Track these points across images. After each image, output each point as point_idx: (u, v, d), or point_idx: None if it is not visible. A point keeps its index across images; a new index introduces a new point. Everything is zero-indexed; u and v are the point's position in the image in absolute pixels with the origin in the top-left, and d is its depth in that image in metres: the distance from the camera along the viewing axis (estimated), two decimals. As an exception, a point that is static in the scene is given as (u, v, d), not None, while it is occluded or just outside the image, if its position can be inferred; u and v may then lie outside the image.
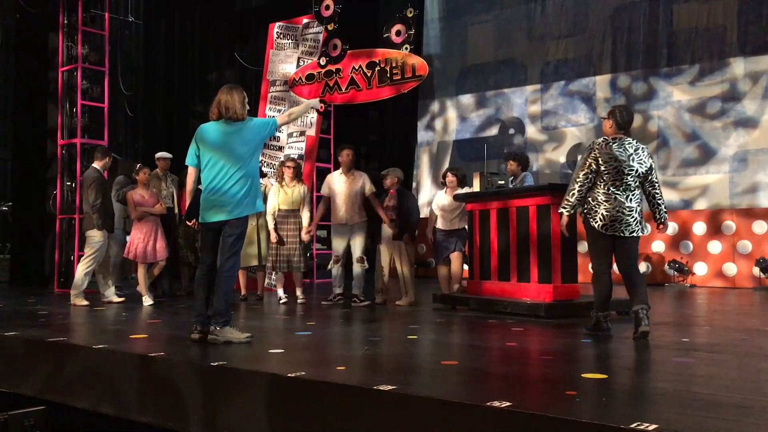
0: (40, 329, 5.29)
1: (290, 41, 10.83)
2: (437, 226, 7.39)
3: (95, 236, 7.24)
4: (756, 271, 9.31)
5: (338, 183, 7.28)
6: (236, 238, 4.55)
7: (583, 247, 6.34)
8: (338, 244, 7.27)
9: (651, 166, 4.81)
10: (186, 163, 4.75)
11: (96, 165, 7.50)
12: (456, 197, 7.13)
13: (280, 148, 10.43)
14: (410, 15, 8.86)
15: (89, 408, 4.06)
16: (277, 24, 10.91)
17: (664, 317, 6.20)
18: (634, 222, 4.72)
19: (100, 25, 9.88)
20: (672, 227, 10.05)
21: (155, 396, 3.84)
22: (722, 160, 9.93)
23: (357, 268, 7.22)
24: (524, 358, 4.10)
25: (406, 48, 8.88)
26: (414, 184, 13.05)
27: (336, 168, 7.81)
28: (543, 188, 6.16)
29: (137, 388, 3.93)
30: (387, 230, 7.18)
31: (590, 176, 4.76)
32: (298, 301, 7.36)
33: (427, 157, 13.26)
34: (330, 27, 9.68)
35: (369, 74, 9.26)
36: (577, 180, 4.79)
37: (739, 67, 9.91)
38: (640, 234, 4.76)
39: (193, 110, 13.28)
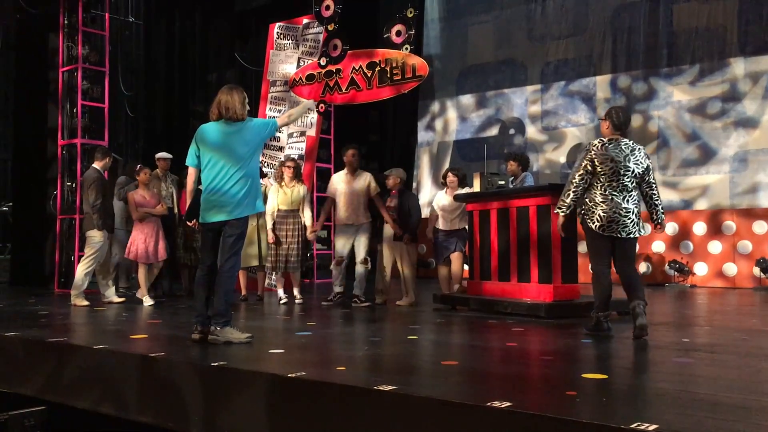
0: (41, 329, 5.29)
1: (290, 41, 10.83)
2: (437, 227, 7.39)
3: (95, 236, 7.25)
4: (756, 271, 9.31)
5: (343, 183, 7.26)
6: (236, 239, 4.56)
7: (583, 247, 6.34)
8: (341, 245, 7.23)
9: (648, 166, 4.81)
10: (186, 164, 4.76)
11: (96, 165, 7.50)
12: (456, 197, 7.13)
13: (281, 149, 10.43)
14: (410, 15, 8.86)
15: (89, 408, 4.06)
16: (278, 24, 10.91)
17: (664, 317, 6.20)
18: (631, 223, 4.72)
19: (100, 26, 9.88)
20: (672, 227, 10.05)
21: (155, 396, 3.84)
22: (722, 160, 9.93)
23: (359, 269, 7.20)
24: (524, 359, 4.10)
25: (407, 48, 8.88)
26: (414, 185, 13.04)
27: (336, 168, 7.81)
28: (543, 188, 6.16)
29: (137, 388, 3.93)
30: (389, 230, 7.19)
31: (586, 177, 4.78)
32: (296, 301, 7.36)
33: (428, 157, 13.27)
34: (330, 27, 9.69)
35: (369, 74, 9.26)
36: (573, 181, 4.81)
37: (739, 67, 9.92)
38: (638, 235, 4.77)
39: (194, 110, 13.29)
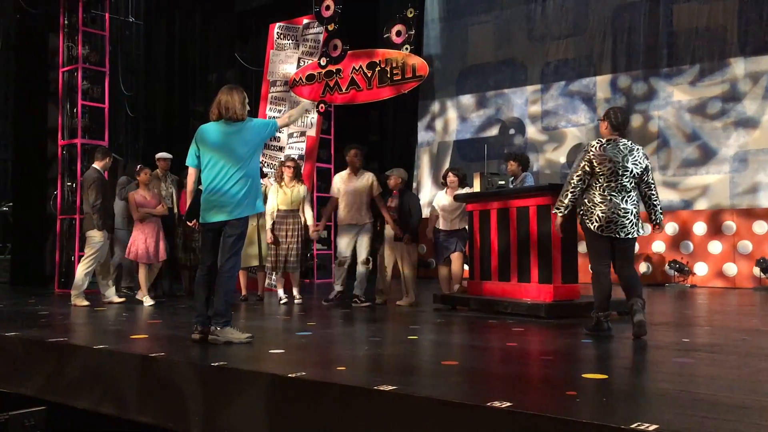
0: (41, 330, 5.29)
1: (291, 41, 10.83)
2: (438, 227, 7.39)
3: (95, 236, 7.25)
4: (756, 271, 9.31)
5: (346, 183, 7.23)
6: (236, 239, 4.56)
7: (583, 247, 6.34)
8: (344, 245, 7.18)
9: (646, 166, 4.82)
10: (186, 164, 4.76)
11: (96, 165, 7.50)
12: (456, 197, 7.13)
13: (281, 149, 10.43)
14: (410, 15, 8.86)
15: (90, 408, 4.06)
16: (278, 24, 10.92)
17: (664, 317, 6.20)
18: (630, 224, 4.73)
19: (100, 26, 9.88)
20: (672, 227, 10.06)
21: (156, 396, 3.84)
22: (722, 160, 9.93)
23: (361, 269, 7.20)
24: (525, 359, 4.10)
25: (407, 48, 8.88)
26: (414, 185, 13.05)
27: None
28: (543, 188, 6.16)
29: (137, 388, 3.93)
30: (390, 230, 7.19)
31: (584, 178, 4.80)
32: (295, 301, 7.36)
33: (428, 157, 13.27)
34: (330, 27, 9.68)
35: (369, 74, 9.26)
36: (571, 182, 4.83)
37: (739, 67, 9.92)
38: (636, 235, 4.77)
39: (194, 111, 13.29)
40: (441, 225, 7.34)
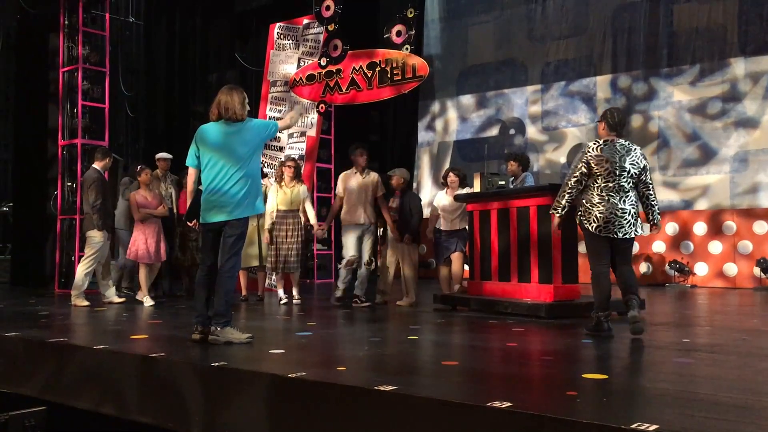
0: (41, 330, 5.29)
1: (291, 42, 10.83)
2: (438, 227, 7.39)
3: (95, 237, 7.25)
4: (756, 271, 9.31)
5: (353, 182, 7.18)
6: (236, 239, 4.56)
7: (583, 247, 6.33)
8: (351, 244, 7.09)
9: (644, 167, 4.82)
10: (186, 164, 4.76)
11: (96, 165, 7.50)
12: (456, 198, 7.13)
13: (281, 149, 10.44)
14: (411, 15, 8.87)
15: (90, 408, 4.06)
16: (278, 24, 10.92)
17: (664, 317, 6.20)
18: (628, 224, 4.74)
19: (100, 26, 9.89)
20: (672, 227, 10.06)
21: (156, 396, 3.84)
22: (723, 160, 9.93)
23: (363, 270, 7.18)
24: (525, 359, 4.10)
25: (407, 48, 8.88)
26: (414, 185, 13.04)
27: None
28: (543, 188, 6.16)
29: (138, 388, 3.93)
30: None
31: (581, 179, 4.82)
32: (294, 301, 7.35)
33: (428, 157, 13.27)
34: (330, 27, 9.69)
35: (369, 75, 9.27)
36: (569, 183, 4.86)
37: (739, 67, 9.91)
38: (634, 235, 4.78)
39: (194, 111, 13.28)
40: (441, 225, 7.34)
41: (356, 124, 12.21)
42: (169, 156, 8.70)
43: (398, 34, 8.92)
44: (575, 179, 4.82)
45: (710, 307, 7.23)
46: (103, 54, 9.84)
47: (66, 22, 9.76)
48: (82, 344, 4.50)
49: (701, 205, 10.05)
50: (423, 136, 13.39)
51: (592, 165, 4.76)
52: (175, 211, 8.41)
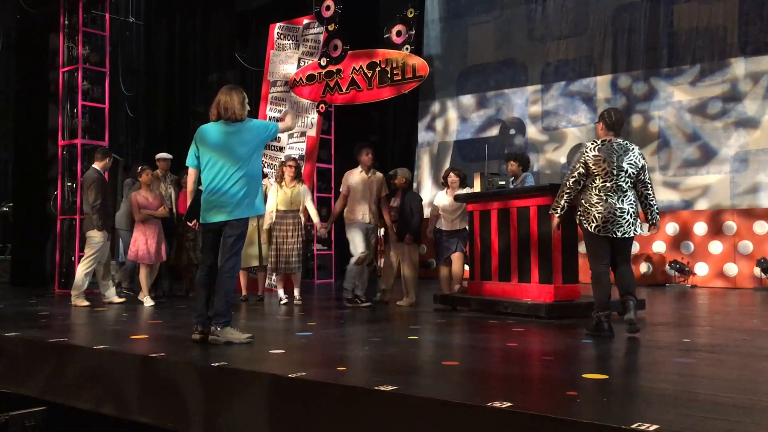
0: (41, 330, 5.29)
1: (291, 42, 10.83)
2: (438, 227, 7.39)
3: (95, 237, 7.25)
4: (757, 271, 9.31)
5: (359, 181, 7.14)
6: (236, 239, 4.56)
7: (583, 247, 6.34)
8: (360, 240, 7.00)
9: (642, 166, 4.83)
10: (186, 164, 4.77)
11: (96, 166, 7.50)
12: (457, 198, 7.13)
13: (281, 149, 10.44)
14: (411, 15, 8.87)
15: (90, 409, 4.06)
16: (278, 24, 10.92)
17: (664, 317, 6.20)
18: (626, 223, 4.74)
19: (100, 26, 9.89)
20: (673, 227, 10.06)
21: (156, 396, 3.84)
22: (723, 160, 9.93)
23: (365, 270, 7.17)
24: (525, 359, 4.10)
25: (407, 48, 8.89)
26: (415, 185, 13.04)
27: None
28: (544, 189, 6.15)
29: (138, 388, 3.93)
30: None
31: (580, 179, 4.84)
32: (295, 302, 7.34)
33: (428, 157, 13.27)
34: (330, 27, 9.69)
35: (370, 75, 9.27)
36: (567, 183, 4.88)
37: (739, 67, 9.91)
38: (633, 234, 4.79)
39: (194, 111, 13.29)
40: (442, 225, 7.34)
41: (356, 124, 12.21)
42: (169, 156, 8.70)
43: (398, 34, 8.92)
44: (573, 179, 4.85)
45: (710, 307, 7.23)
46: (103, 54, 9.84)
47: (66, 22, 9.75)
48: (82, 344, 4.50)
49: (701, 205, 10.05)
50: (423, 136, 13.39)
51: (590, 165, 4.78)
52: (174, 211, 8.41)
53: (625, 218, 4.74)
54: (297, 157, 9.67)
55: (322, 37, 10.09)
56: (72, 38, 9.68)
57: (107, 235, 7.42)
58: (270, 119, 10.27)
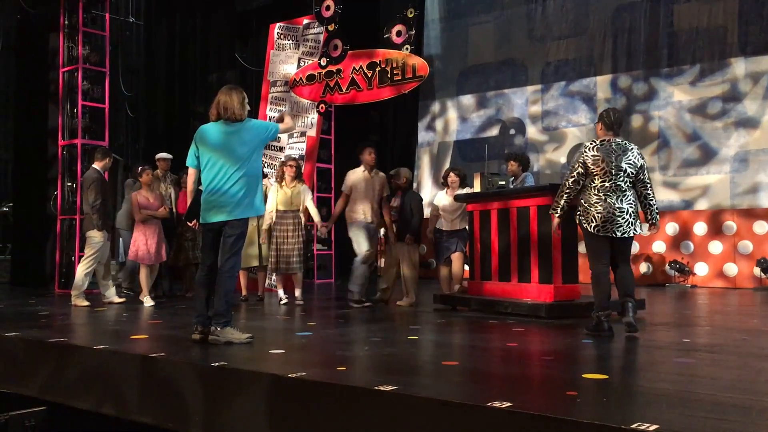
0: (41, 330, 5.29)
1: (291, 42, 10.84)
2: (438, 227, 7.39)
3: (95, 237, 7.25)
4: (757, 271, 9.31)
5: (361, 180, 7.13)
6: (236, 239, 4.56)
7: (583, 247, 6.34)
8: (364, 239, 6.98)
9: (641, 166, 4.83)
10: (186, 164, 4.77)
11: (96, 166, 7.50)
12: (457, 198, 7.13)
13: (281, 149, 10.44)
14: (411, 15, 8.87)
15: (90, 408, 4.06)
16: (278, 24, 10.92)
17: (664, 317, 6.20)
18: (626, 223, 4.75)
19: (100, 26, 9.89)
20: (673, 227, 10.06)
21: (156, 396, 3.84)
22: (723, 160, 9.93)
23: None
24: (525, 359, 4.10)
25: (407, 48, 8.89)
26: (415, 185, 13.03)
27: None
28: (544, 189, 6.15)
29: (138, 388, 3.93)
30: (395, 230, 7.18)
31: (579, 179, 4.86)
32: (297, 302, 7.34)
33: (428, 157, 13.27)
34: (330, 27, 9.69)
35: (370, 75, 9.27)
36: (566, 183, 4.90)
37: (739, 67, 9.91)
38: (632, 234, 4.79)
39: (194, 111, 13.29)
40: (442, 225, 7.34)
41: (356, 124, 12.21)
42: (169, 156, 8.70)
43: (398, 34, 8.92)
44: (573, 179, 4.86)
45: (710, 307, 7.23)
46: (103, 54, 9.84)
47: (66, 22, 9.75)
48: (82, 344, 4.50)
49: (701, 205, 10.05)
50: (423, 136, 13.39)
51: (589, 165, 4.79)
52: (174, 211, 8.41)
53: (624, 218, 4.74)
54: (297, 157, 9.67)
55: (322, 37, 10.09)
56: (72, 38, 9.68)
57: (107, 235, 7.42)
58: (270, 119, 10.27)
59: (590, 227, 4.78)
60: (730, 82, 9.98)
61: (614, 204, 4.74)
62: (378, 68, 9.17)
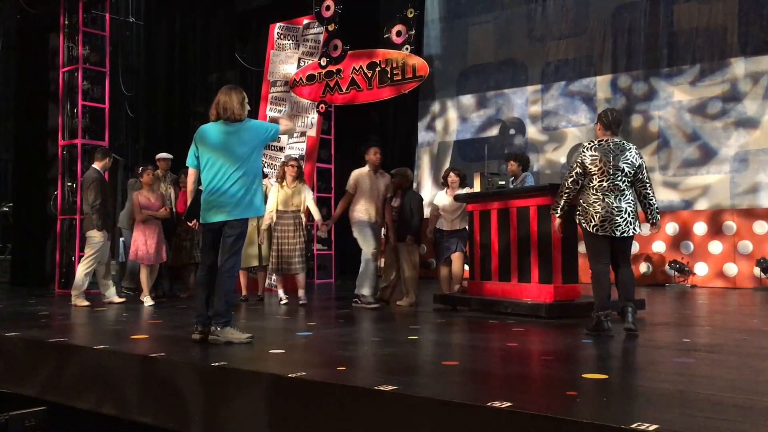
0: (41, 330, 5.29)
1: (291, 42, 10.84)
2: (438, 227, 7.39)
3: (95, 237, 7.25)
4: (757, 271, 9.31)
5: (367, 181, 7.15)
6: (236, 239, 4.56)
7: (583, 247, 6.34)
8: (370, 237, 6.99)
9: (640, 165, 4.84)
10: (186, 164, 4.77)
11: (96, 165, 7.50)
12: (457, 198, 7.13)
13: (281, 149, 10.44)
14: (411, 15, 8.86)
15: (90, 408, 4.06)
16: (278, 24, 10.92)
17: (664, 317, 6.20)
18: (625, 222, 4.76)
19: (100, 26, 9.89)
20: (672, 227, 10.06)
21: (156, 396, 3.84)
22: (723, 160, 9.93)
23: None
24: (525, 359, 4.10)
25: (407, 48, 8.88)
26: (415, 185, 13.03)
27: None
28: (543, 188, 6.15)
29: (138, 388, 3.93)
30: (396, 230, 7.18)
31: (578, 179, 4.87)
32: (300, 302, 7.33)
33: (428, 157, 13.27)
34: (330, 27, 9.69)
35: (369, 75, 9.26)
36: (566, 183, 4.92)
37: (739, 67, 9.92)
38: (632, 233, 4.80)
39: (194, 111, 13.30)
40: (442, 225, 7.34)
41: (356, 124, 12.21)
42: (170, 156, 8.70)
43: (398, 34, 8.92)
44: (572, 179, 4.88)
45: (710, 307, 7.23)
46: (103, 54, 9.84)
47: (66, 22, 9.76)
48: (82, 344, 4.50)
49: (701, 205, 10.05)
50: (423, 136, 13.39)
51: (587, 165, 4.81)
52: (173, 210, 8.41)
53: (623, 217, 4.75)
54: (297, 157, 9.67)
55: (322, 37, 10.09)
56: (72, 38, 9.68)
57: (107, 235, 7.42)
58: (270, 119, 10.28)
59: (589, 227, 4.80)
60: (730, 82, 9.98)
61: (612, 203, 4.75)
62: (378, 68, 9.17)
